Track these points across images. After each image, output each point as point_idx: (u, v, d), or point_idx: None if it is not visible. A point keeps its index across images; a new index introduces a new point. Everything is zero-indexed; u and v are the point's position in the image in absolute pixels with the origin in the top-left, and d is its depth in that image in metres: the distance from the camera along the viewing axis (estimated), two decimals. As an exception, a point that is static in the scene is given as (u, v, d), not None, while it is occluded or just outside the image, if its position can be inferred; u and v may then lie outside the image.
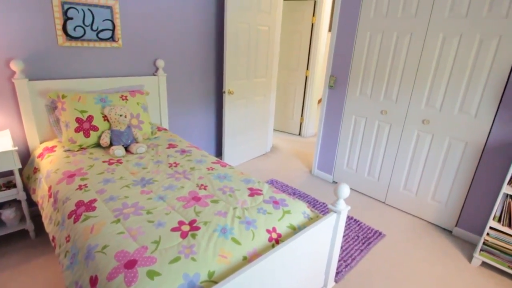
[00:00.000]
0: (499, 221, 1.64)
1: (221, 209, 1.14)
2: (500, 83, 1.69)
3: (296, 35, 3.58)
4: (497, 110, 1.72)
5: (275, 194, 1.29)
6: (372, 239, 1.89)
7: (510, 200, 1.58)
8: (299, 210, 1.20)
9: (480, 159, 1.83)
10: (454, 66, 1.83)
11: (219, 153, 2.88)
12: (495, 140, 1.76)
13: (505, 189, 1.56)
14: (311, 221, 1.19)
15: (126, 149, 1.71)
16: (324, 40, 3.55)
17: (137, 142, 1.76)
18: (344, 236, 1.89)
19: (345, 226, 1.99)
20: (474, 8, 1.70)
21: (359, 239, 1.88)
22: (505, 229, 1.61)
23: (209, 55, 2.49)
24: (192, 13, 2.27)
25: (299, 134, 3.93)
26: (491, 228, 1.67)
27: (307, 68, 3.63)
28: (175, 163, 1.55)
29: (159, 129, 2.06)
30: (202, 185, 1.33)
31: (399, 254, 1.78)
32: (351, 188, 2.54)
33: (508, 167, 1.73)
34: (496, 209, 1.62)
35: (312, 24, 3.46)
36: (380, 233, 1.95)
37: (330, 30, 4.74)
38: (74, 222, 1.08)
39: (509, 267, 1.62)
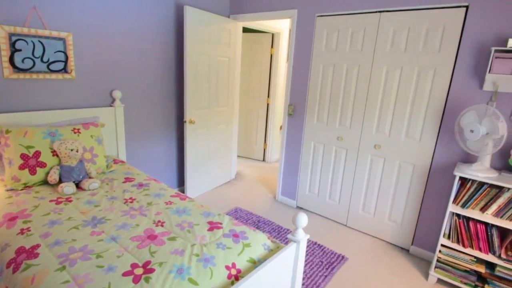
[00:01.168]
0: (448, 238, 1.75)
1: (178, 247, 1.10)
2: (438, 110, 1.86)
3: (257, 65, 3.72)
4: (438, 135, 1.89)
5: (235, 227, 1.27)
6: (336, 264, 1.91)
7: (456, 218, 1.70)
8: (260, 242, 1.19)
9: (427, 180, 1.97)
10: (398, 95, 2.00)
11: (181, 183, 2.81)
12: (438, 162, 1.91)
13: (451, 207, 1.68)
14: (271, 252, 1.18)
15: (78, 185, 1.61)
16: (282, 70, 3.71)
17: (90, 178, 1.67)
18: (308, 262, 1.89)
19: (309, 252, 2.00)
20: (411, 44, 1.90)
21: (323, 264, 1.89)
22: (455, 245, 1.71)
23: (169, 85, 2.49)
24: (151, 45, 2.28)
25: (263, 159, 3.98)
26: (442, 245, 1.77)
27: (268, 96, 3.75)
28: (131, 198, 1.48)
29: (116, 161, 1.98)
30: (159, 221, 1.28)
31: (361, 277, 1.81)
32: (314, 213, 2.58)
33: (451, 186, 1.87)
34: (445, 227, 1.73)
35: (271, 55, 3.62)
36: (343, 257, 1.99)
37: (288, 60, 4.97)
38: (13, 272, 0.97)
39: (461, 282, 1.72)
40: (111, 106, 2.11)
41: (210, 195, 2.81)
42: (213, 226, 1.26)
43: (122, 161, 2.02)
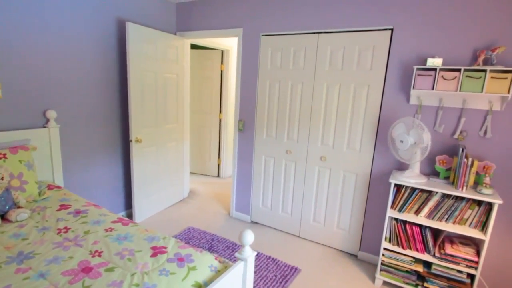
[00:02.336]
0: (389, 241, 1.87)
1: (116, 278, 1.03)
2: (373, 123, 2.02)
3: (208, 81, 3.72)
4: (375, 145, 2.04)
5: (181, 250, 1.23)
6: (289, 276, 1.93)
7: (395, 221, 1.83)
8: (206, 264, 1.16)
9: (369, 188, 2.10)
10: (338, 110, 2.13)
11: (129, 206, 2.66)
12: (377, 170, 2.05)
13: (389, 212, 1.81)
14: (218, 274, 1.16)
15: (3, 217, 1.44)
16: (233, 86, 3.76)
17: (18, 207, 1.50)
18: (262, 278, 1.89)
19: (263, 267, 1.99)
20: (346, 63, 2.05)
21: (276, 278, 1.90)
22: (395, 248, 1.83)
23: (113, 103, 2.38)
24: (91, 62, 2.17)
25: (218, 175, 3.94)
26: (384, 249, 1.88)
27: (220, 112, 3.75)
28: (65, 228, 1.36)
29: (51, 187, 1.82)
30: (96, 251, 1.19)
31: (314, 287, 1.85)
32: (268, 226, 2.60)
33: (389, 193, 2.02)
34: (386, 231, 1.85)
35: (222, 71, 3.65)
36: (296, 268, 2.01)
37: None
38: None
39: (404, 282, 1.83)
40: (44, 127, 1.94)
41: (161, 216, 2.69)
42: (156, 252, 1.20)
43: (58, 187, 1.85)
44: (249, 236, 1.19)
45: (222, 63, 3.63)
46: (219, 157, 3.88)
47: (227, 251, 2.17)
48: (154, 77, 2.47)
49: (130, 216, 2.63)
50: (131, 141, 2.34)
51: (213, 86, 3.71)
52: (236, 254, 1.22)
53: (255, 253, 1.24)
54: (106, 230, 1.35)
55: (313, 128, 2.24)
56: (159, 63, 2.50)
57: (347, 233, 2.23)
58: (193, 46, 3.78)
